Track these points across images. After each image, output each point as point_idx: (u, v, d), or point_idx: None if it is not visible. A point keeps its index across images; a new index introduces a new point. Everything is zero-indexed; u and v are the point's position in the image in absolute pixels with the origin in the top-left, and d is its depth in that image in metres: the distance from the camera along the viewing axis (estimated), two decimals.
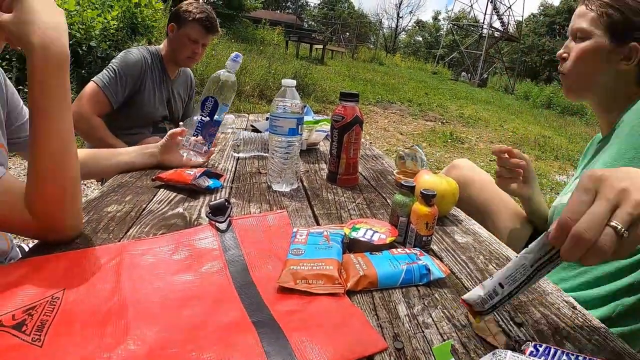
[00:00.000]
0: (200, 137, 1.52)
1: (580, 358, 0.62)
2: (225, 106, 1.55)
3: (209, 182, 1.29)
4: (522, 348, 0.66)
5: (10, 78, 5.21)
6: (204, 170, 1.30)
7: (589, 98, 1.31)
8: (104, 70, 2.23)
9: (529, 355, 0.64)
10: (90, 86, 2.19)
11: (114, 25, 6.45)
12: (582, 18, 1.21)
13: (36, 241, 0.95)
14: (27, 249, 1.39)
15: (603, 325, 0.76)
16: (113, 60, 2.27)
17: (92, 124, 2.15)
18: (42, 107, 0.85)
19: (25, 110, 1.26)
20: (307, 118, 2.23)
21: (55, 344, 0.63)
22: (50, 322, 0.67)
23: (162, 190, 1.26)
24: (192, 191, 1.27)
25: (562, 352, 0.64)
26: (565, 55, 1.28)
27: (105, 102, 2.21)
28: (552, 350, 0.64)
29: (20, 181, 0.90)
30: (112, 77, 2.21)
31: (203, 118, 1.52)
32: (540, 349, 0.64)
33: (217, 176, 1.35)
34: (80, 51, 5.94)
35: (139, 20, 7.14)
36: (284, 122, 1.28)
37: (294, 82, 1.33)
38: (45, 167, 0.85)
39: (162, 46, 2.48)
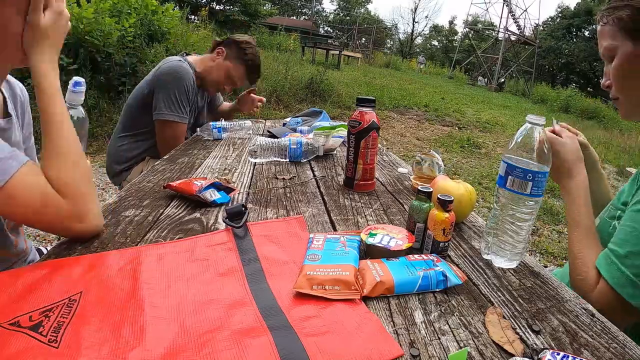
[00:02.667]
0: None
1: None
2: None
3: (215, 196, 1.25)
4: (539, 356, 0.65)
5: (29, 84, 5.30)
6: (213, 182, 1.27)
7: None
8: (167, 103, 2.19)
9: None
10: (174, 127, 2.24)
11: (131, 32, 6.52)
12: (603, 37, 1.11)
13: (54, 244, 0.96)
14: (45, 251, 1.41)
15: (622, 333, 0.75)
16: (167, 84, 2.19)
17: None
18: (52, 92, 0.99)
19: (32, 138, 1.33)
20: (323, 123, 2.23)
21: (72, 346, 0.63)
22: (66, 324, 0.68)
23: (179, 194, 1.27)
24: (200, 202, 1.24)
25: None
26: (608, 82, 1.15)
27: (185, 127, 2.29)
28: (570, 359, 0.63)
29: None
30: (179, 104, 2.21)
31: None
32: (558, 357, 0.64)
33: (227, 190, 1.31)
34: (99, 58, 6.01)
35: (157, 27, 7.21)
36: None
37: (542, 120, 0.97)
38: (63, 143, 0.96)
39: (197, 59, 2.43)
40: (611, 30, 1.07)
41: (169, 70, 2.21)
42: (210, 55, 2.41)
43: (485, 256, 1.00)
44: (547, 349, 0.68)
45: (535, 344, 0.70)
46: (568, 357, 0.64)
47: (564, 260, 3.50)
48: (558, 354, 0.65)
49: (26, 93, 1.26)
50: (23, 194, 0.85)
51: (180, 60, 2.28)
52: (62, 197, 0.89)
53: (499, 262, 0.97)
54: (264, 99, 2.65)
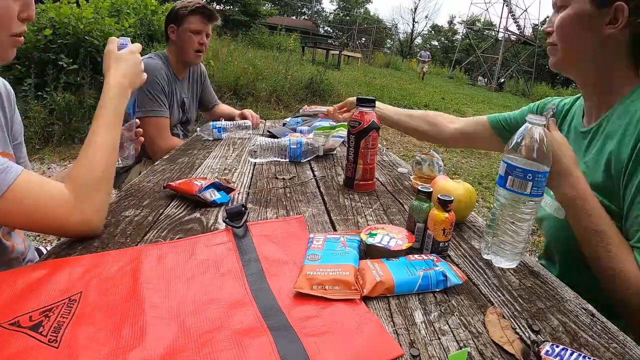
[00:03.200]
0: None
1: None
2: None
3: (216, 196, 1.25)
4: (538, 347, 0.65)
5: (29, 84, 5.30)
6: (212, 182, 1.27)
7: (574, 73, 1.21)
8: (143, 99, 2.21)
9: (545, 354, 0.64)
10: (154, 122, 2.27)
11: (131, 32, 6.53)
12: None
13: (54, 244, 0.96)
14: (44, 251, 1.41)
15: (622, 333, 0.75)
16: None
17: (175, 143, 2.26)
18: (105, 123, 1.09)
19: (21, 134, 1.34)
20: (323, 123, 2.23)
21: (72, 346, 0.63)
22: (66, 324, 0.68)
23: (179, 194, 1.27)
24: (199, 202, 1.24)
25: (579, 355, 0.63)
26: (549, 29, 1.18)
27: (167, 121, 2.31)
28: (569, 352, 0.63)
29: (41, 177, 0.94)
30: (155, 99, 2.26)
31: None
32: (557, 350, 0.64)
33: (227, 190, 1.31)
34: (99, 58, 6.02)
35: (157, 27, 7.22)
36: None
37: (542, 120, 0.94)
38: (101, 157, 1.03)
39: (166, 52, 2.48)
40: None
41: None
42: (170, 42, 2.44)
43: (485, 256, 1.00)
44: (547, 341, 0.68)
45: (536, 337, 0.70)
46: (567, 349, 0.64)
47: None
48: (557, 346, 0.65)
49: (9, 87, 1.27)
50: (20, 206, 0.86)
51: (150, 57, 2.33)
52: (74, 197, 0.93)
53: (499, 262, 0.97)
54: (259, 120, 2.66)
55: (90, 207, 0.96)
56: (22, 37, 1.02)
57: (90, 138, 1.04)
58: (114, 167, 1.07)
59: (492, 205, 4.03)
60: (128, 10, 6.99)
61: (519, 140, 0.93)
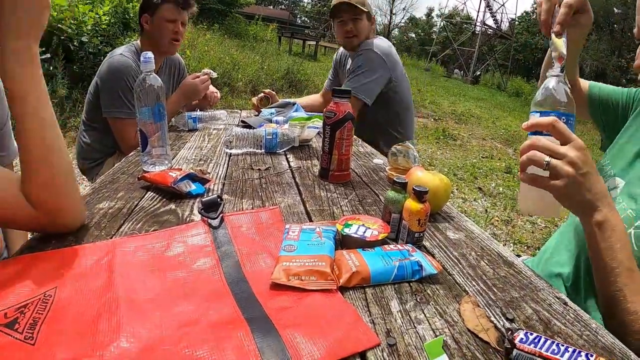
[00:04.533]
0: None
1: (569, 349, 0.62)
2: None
3: (191, 187, 1.23)
4: (513, 335, 0.66)
5: None
6: (188, 173, 1.26)
7: None
8: (111, 100, 2.21)
9: (519, 341, 0.65)
10: (120, 124, 2.23)
11: (105, 20, 6.41)
12: None
13: (27, 239, 0.94)
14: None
15: (594, 321, 0.77)
16: (108, 82, 2.20)
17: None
18: (21, 95, 0.87)
19: (9, 125, 1.30)
20: (299, 114, 2.23)
21: (48, 342, 0.62)
22: (42, 320, 0.66)
23: (154, 186, 1.25)
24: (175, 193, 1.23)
25: (552, 342, 0.64)
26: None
27: (134, 121, 2.25)
28: (542, 339, 0.64)
29: (17, 174, 0.89)
30: (125, 102, 2.20)
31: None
32: (531, 337, 0.65)
33: (203, 181, 1.30)
34: (72, 47, 5.90)
35: (131, 15, 7.10)
36: None
37: None
38: (38, 153, 0.87)
39: (138, 42, 2.40)
40: None
41: (107, 69, 2.20)
42: (143, 32, 2.36)
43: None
44: (521, 329, 0.69)
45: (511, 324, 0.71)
46: (540, 337, 0.65)
47: (537, 250, 3.57)
48: (531, 334, 0.66)
49: None
50: None
51: (121, 54, 2.25)
52: (33, 206, 0.86)
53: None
54: (218, 94, 2.66)
55: (54, 209, 0.89)
56: None
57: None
58: (63, 153, 0.92)
59: (466, 197, 4.07)
60: None
61: (543, 92, 0.93)
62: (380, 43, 2.51)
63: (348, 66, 2.71)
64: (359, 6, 2.46)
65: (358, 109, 2.43)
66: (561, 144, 0.85)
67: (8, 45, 0.83)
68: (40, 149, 0.87)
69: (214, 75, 2.36)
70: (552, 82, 0.92)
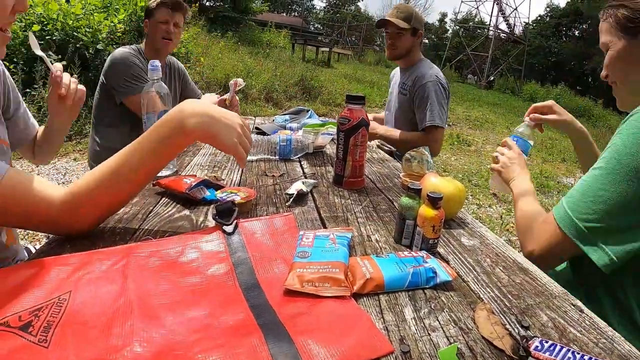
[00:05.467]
0: None
1: (585, 357, 0.62)
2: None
3: (205, 193, 1.24)
4: (528, 342, 0.66)
5: (16, 81, 5.24)
6: (202, 180, 1.27)
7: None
8: (122, 84, 2.36)
9: (534, 349, 0.64)
10: (138, 98, 2.24)
11: (120, 28, 6.49)
12: (602, 33, 1.21)
13: (43, 242, 0.95)
14: (34, 250, 1.40)
15: (610, 328, 0.76)
16: (114, 70, 2.38)
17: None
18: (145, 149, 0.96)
19: (23, 104, 1.38)
20: (313, 121, 2.23)
21: (61, 345, 0.63)
22: (56, 323, 0.67)
23: (168, 192, 1.26)
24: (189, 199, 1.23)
25: (568, 350, 0.64)
26: (604, 73, 1.26)
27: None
28: (558, 347, 0.64)
29: (29, 174, 0.91)
30: (135, 78, 2.37)
31: None
32: (546, 345, 0.65)
33: (217, 187, 1.30)
34: (88, 54, 5.98)
35: None
36: None
37: None
38: (115, 185, 0.95)
39: (142, 46, 2.58)
40: (608, 27, 1.18)
41: (110, 62, 2.41)
42: (145, 36, 2.58)
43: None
44: (536, 336, 0.68)
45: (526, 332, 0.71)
46: (556, 345, 0.65)
47: None
48: (546, 342, 0.66)
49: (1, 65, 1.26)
50: (6, 206, 0.85)
51: (118, 50, 2.46)
52: (68, 211, 0.91)
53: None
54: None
55: (83, 215, 0.95)
56: (10, 34, 0.99)
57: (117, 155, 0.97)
58: (121, 197, 1.00)
59: (481, 203, 4.04)
60: (117, 6, 6.94)
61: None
62: (437, 73, 2.67)
63: (398, 79, 2.90)
64: (400, 23, 2.63)
65: (441, 137, 2.68)
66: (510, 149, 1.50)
67: None
68: (124, 185, 0.96)
69: (243, 84, 2.40)
70: (522, 126, 1.54)
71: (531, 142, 1.52)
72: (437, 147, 2.66)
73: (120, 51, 2.42)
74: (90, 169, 2.51)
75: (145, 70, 2.41)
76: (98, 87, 2.49)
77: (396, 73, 3.03)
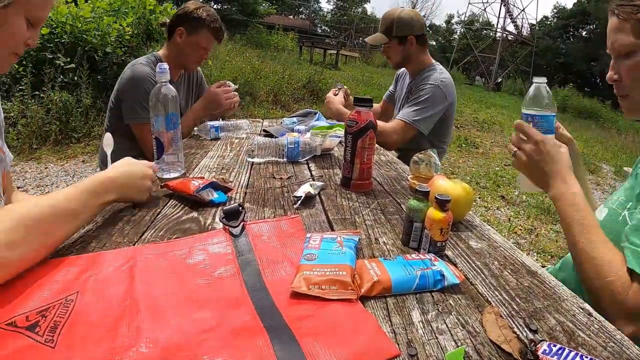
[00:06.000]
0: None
1: None
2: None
3: (213, 196, 1.24)
4: (536, 346, 0.65)
5: (26, 83, 5.28)
6: (210, 182, 1.27)
7: None
8: (132, 107, 2.22)
9: (542, 353, 0.64)
10: (142, 128, 2.22)
11: (129, 31, 6.53)
12: (620, 32, 1.06)
13: None
14: None
15: (619, 332, 0.75)
16: (129, 90, 2.22)
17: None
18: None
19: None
20: (320, 123, 2.23)
21: (68, 345, 0.63)
22: (63, 324, 0.68)
23: (176, 194, 1.27)
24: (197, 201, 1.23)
25: (576, 354, 0.63)
26: (616, 77, 1.11)
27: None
28: (566, 351, 0.63)
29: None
30: (146, 108, 2.17)
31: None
32: (554, 349, 0.64)
33: (225, 189, 1.31)
34: (96, 57, 6.02)
35: (154, 26, 7.21)
36: None
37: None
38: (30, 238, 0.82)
39: (162, 51, 2.43)
40: (633, 28, 1.03)
41: (128, 78, 2.22)
42: (173, 41, 2.36)
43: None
44: (544, 340, 0.68)
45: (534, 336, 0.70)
46: (564, 349, 0.64)
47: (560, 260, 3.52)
48: (554, 345, 0.65)
49: None
50: None
51: (141, 64, 2.27)
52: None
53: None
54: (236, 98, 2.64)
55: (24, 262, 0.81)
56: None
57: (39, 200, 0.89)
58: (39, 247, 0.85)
59: (489, 205, 4.02)
60: (126, 9, 6.98)
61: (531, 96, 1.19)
62: (443, 78, 2.54)
63: (407, 81, 2.82)
64: (378, 41, 2.65)
65: (411, 136, 2.49)
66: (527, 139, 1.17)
67: None
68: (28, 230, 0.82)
69: (234, 86, 2.40)
70: (531, 88, 1.20)
71: (553, 112, 1.18)
72: (393, 139, 2.43)
73: (141, 71, 2.22)
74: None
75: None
76: (113, 96, 2.34)
77: (406, 74, 2.95)
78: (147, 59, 2.34)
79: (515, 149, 1.20)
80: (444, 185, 1.15)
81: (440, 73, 2.57)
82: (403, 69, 2.93)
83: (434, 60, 2.69)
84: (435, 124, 2.55)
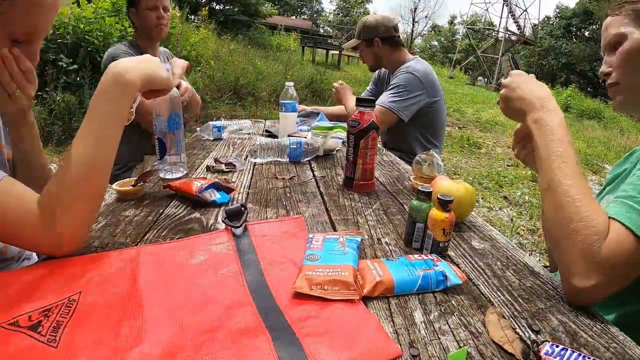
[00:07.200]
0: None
1: None
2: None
3: (215, 196, 1.25)
4: (538, 347, 0.65)
5: None
6: (213, 182, 1.27)
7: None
8: None
9: (545, 354, 0.64)
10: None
11: (131, 32, 6.53)
12: (611, 27, 1.07)
13: None
14: None
15: (622, 333, 0.75)
16: (105, 63, 2.34)
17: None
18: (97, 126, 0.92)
19: None
20: (322, 124, 2.23)
21: (70, 345, 0.63)
22: (65, 324, 0.68)
23: (179, 194, 1.27)
24: (199, 202, 1.24)
25: (578, 355, 0.63)
26: (608, 70, 1.10)
27: None
28: (569, 352, 0.63)
29: (23, 186, 0.87)
30: None
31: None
32: (557, 349, 0.64)
33: (227, 189, 1.32)
34: (99, 57, 6.02)
35: None
36: None
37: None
38: (79, 171, 0.87)
39: (133, 40, 2.56)
40: (622, 20, 1.05)
41: (104, 59, 2.41)
42: (134, 25, 2.53)
43: None
44: (546, 341, 0.68)
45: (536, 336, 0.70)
46: (566, 349, 0.64)
47: None
48: (557, 346, 0.65)
49: None
50: None
51: (115, 45, 2.50)
52: (45, 226, 0.83)
53: None
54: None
55: (64, 230, 0.86)
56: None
57: (72, 145, 0.90)
58: (99, 183, 0.92)
59: (492, 206, 4.02)
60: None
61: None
62: (417, 66, 2.62)
63: (388, 79, 2.93)
64: (349, 45, 2.88)
65: (391, 123, 2.58)
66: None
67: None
68: (81, 171, 0.87)
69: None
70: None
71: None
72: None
73: (111, 50, 2.39)
74: (114, 175, 2.53)
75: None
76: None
77: (384, 72, 3.07)
78: (121, 43, 2.53)
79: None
80: (446, 185, 1.15)
81: (416, 63, 2.67)
82: (383, 69, 3.03)
83: (412, 56, 2.79)
84: (423, 120, 2.64)
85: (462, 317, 0.76)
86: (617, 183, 1.17)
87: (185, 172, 1.49)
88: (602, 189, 1.23)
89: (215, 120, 2.38)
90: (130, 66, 0.96)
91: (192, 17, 14.06)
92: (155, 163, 1.47)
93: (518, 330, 0.73)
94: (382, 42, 2.72)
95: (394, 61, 2.75)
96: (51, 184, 0.86)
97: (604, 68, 1.13)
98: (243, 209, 1.11)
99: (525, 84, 1.10)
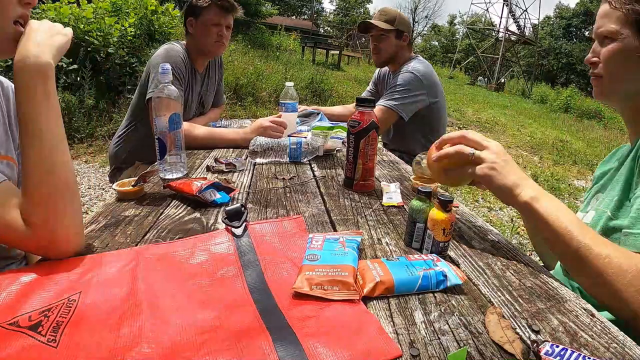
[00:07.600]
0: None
1: None
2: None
3: (216, 196, 1.25)
4: (538, 347, 0.65)
5: None
6: (213, 182, 1.27)
7: (617, 102, 1.19)
8: (156, 81, 2.10)
9: (545, 354, 0.64)
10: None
11: (131, 32, 6.54)
12: (607, 18, 1.08)
13: None
14: None
15: (622, 333, 0.75)
16: (160, 59, 2.17)
17: (196, 134, 2.06)
18: (26, 112, 0.87)
19: None
20: (322, 124, 2.23)
21: (70, 345, 0.64)
22: (65, 324, 0.68)
23: (179, 194, 1.27)
24: (199, 202, 1.24)
25: (579, 355, 0.63)
26: (594, 59, 1.13)
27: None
28: (569, 352, 0.63)
29: (18, 191, 0.87)
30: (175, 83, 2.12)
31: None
32: (557, 350, 0.64)
33: (227, 190, 1.31)
34: (99, 58, 6.03)
35: (156, 27, 7.23)
36: None
37: None
38: (35, 171, 0.86)
39: (185, 44, 2.41)
40: (621, 17, 1.05)
41: (158, 52, 2.24)
42: (189, 35, 2.38)
43: None
44: (546, 341, 0.68)
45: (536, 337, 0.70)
46: (566, 349, 0.64)
47: None
48: (557, 346, 0.65)
49: (4, 80, 1.17)
50: None
51: (171, 44, 2.31)
52: (27, 227, 0.83)
53: None
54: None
55: (48, 231, 0.85)
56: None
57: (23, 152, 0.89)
58: (66, 172, 0.89)
59: (492, 206, 4.00)
60: (128, 10, 6.99)
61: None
62: (419, 66, 2.61)
63: (389, 79, 2.89)
64: (382, 25, 2.59)
65: (392, 123, 2.61)
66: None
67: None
68: (43, 166, 0.87)
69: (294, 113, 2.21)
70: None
71: None
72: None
73: (174, 49, 2.24)
74: (111, 174, 2.52)
75: (184, 74, 2.26)
76: (144, 74, 2.30)
77: (383, 72, 3.03)
78: (175, 41, 2.37)
79: (473, 150, 1.06)
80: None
81: (418, 63, 2.65)
82: (385, 68, 2.98)
83: (414, 54, 2.79)
84: (424, 120, 2.64)
85: (462, 317, 0.76)
86: (605, 181, 1.22)
87: (185, 172, 1.49)
88: (590, 187, 1.29)
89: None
90: (40, 50, 0.90)
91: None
92: (156, 163, 1.47)
93: (518, 330, 0.73)
94: (408, 40, 2.71)
95: (402, 60, 2.73)
96: (23, 189, 0.87)
97: (590, 56, 1.16)
98: (243, 209, 1.10)
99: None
